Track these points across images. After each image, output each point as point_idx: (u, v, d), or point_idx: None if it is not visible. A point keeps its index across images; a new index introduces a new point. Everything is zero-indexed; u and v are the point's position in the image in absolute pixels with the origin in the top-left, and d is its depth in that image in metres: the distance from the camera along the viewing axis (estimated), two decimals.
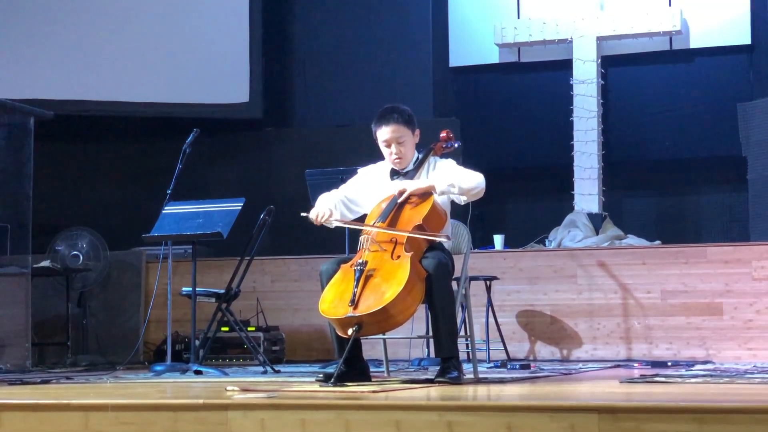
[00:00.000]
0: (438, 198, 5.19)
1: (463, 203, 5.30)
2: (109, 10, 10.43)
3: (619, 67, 10.24)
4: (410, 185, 5.18)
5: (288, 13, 11.06)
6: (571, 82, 9.96)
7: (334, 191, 5.45)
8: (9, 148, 7.57)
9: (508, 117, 10.51)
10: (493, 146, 10.35)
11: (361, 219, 5.35)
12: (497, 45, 10.34)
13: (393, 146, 5.28)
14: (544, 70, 10.39)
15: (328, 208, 5.27)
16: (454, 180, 5.15)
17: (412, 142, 5.32)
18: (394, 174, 5.35)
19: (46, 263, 8.61)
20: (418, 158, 5.36)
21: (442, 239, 5.09)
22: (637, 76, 10.34)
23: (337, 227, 5.39)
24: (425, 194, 5.16)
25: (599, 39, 10.01)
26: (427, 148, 5.41)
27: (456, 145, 5.50)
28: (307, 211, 5.28)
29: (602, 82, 10.01)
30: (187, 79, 10.48)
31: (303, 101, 11.00)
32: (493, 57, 10.49)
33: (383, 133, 5.29)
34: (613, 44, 10.11)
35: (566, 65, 10.07)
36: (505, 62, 10.48)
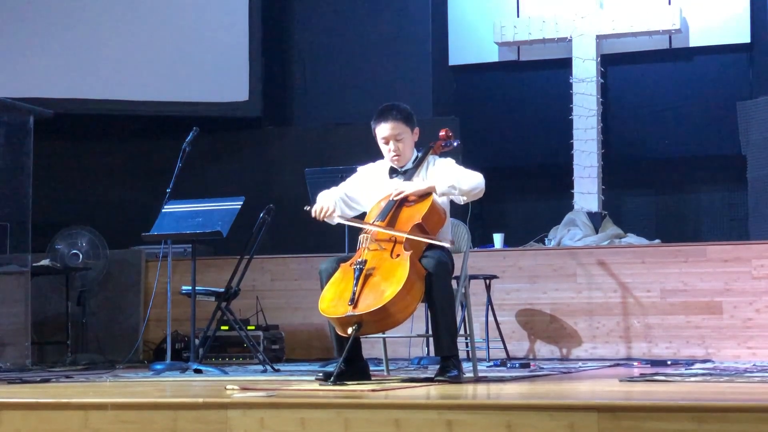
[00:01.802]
0: (438, 198, 5.19)
1: (462, 203, 5.30)
2: (109, 9, 10.42)
3: (618, 65, 10.23)
4: (409, 186, 5.18)
5: (287, 11, 11.05)
6: (570, 81, 9.96)
7: (333, 189, 5.44)
8: (9, 147, 7.57)
9: (507, 116, 10.50)
10: (492, 145, 10.35)
11: (361, 217, 5.35)
12: (497, 43, 10.34)
13: (391, 143, 5.28)
14: (544, 69, 10.38)
15: (331, 203, 5.26)
16: (455, 181, 5.15)
17: (410, 139, 5.32)
18: (393, 172, 5.35)
19: (45, 262, 8.60)
20: (417, 157, 5.36)
21: (445, 244, 5.07)
22: (636, 75, 10.33)
23: (338, 224, 5.39)
24: (425, 194, 5.16)
25: (599, 37, 10.00)
26: (426, 146, 5.41)
27: (455, 144, 5.51)
28: (308, 208, 5.28)
29: (602, 81, 10.00)
30: (186, 77, 10.47)
31: (302, 99, 10.99)
32: (492, 56, 10.49)
33: (382, 130, 5.29)
34: (613, 43, 10.11)
35: (566, 64, 10.06)
36: (504, 61, 10.47)
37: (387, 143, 5.30)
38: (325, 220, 5.29)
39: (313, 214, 5.26)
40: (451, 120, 9.99)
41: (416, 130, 5.35)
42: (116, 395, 4.27)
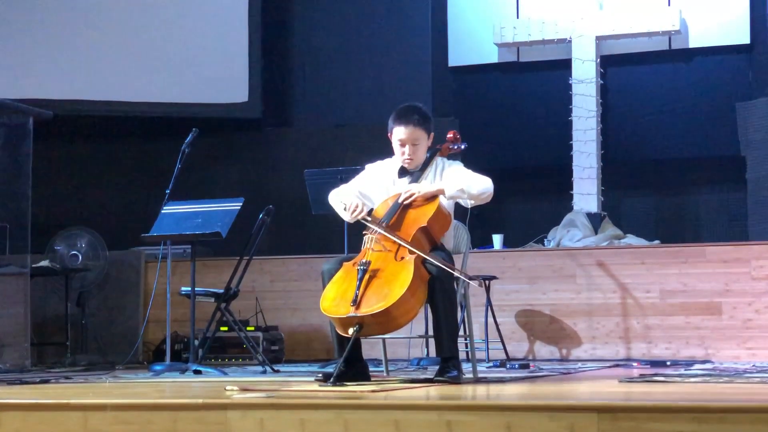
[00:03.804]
0: (444, 200, 5.19)
1: (470, 206, 5.30)
2: (109, 10, 10.42)
3: (618, 66, 10.23)
4: (420, 188, 5.17)
5: (287, 12, 11.05)
6: (570, 82, 9.96)
7: (344, 186, 5.42)
8: (8, 148, 7.57)
9: (507, 117, 10.50)
10: (492, 146, 10.34)
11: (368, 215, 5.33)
12: (496, 45, 10.34)
13: (407, 147, 5.26)
14: (543, 70, 10.38)
15: (360, 202, 5.20)
16: (464, 185, 5.15)
17: (425, 144, 5.32)
18: (402, 172, 5.34)
19: (45, 263, 8.60)
20: (426, 158, 5.35)
21: (462, 276, 5.03)
22: (636, 76, 10.33)
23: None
24: (432, 196, 5.16)
25: (598, 39, 10.00)
26: (433, 148, 5.40)
27: (463, 147, 5.50)
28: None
29: (601, 82, 10.00)
30: (186, 78, 10.47)
31: (302, 101, 10.99)
32: (492, 57, 10.48)
33: (400, 133, 5.26)
34: (612, 44, 10.11)
35: (565, 65, 10.06)
36: (504, 62, 10.46)
37: (402, 146, 5.28)
38: (346, 216, 5.23)
39: (350, 210, 5.16)
40: (451, 121, 10.00)
41: (432, 134, 5.33)
42: (116, 396, 4.27)
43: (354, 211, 5.15)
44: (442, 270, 4.94)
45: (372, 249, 5.02)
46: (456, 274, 5.01)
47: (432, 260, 4.94)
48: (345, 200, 5.24)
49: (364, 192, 5.38)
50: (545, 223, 9.75)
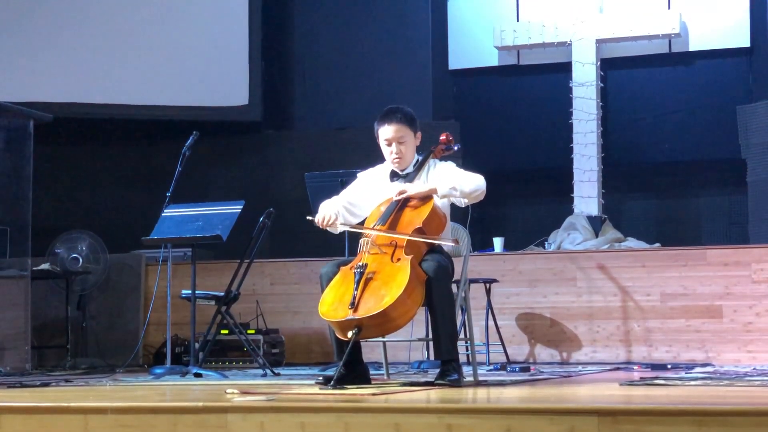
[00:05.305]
0: (438, 201, 5.20)
1: (464, 206, 5.30)
2: (109, 14, 10.43)
3: (618, 69, 10.24)
4: (411, 188, 5.19)
5: (287, 16, 11.06)
6: (570, 85, 9.96)
7: (335, 198, 5.44)
8: (8, 151, 7.57)
9: (507, 120, 10.51)
10: (492, 149, 10.35)
11: (364, 222, 5.35)
12: (496, 48, 10.35)
13: (394, 146, 5.28)
14: (544, 73, 10.39)
15: (333, 212, 5.26)
16: (456, 183, 5.15)
17: (413, 143, 5.33)
18: (394, 176, 5.36)
19: (45, 266, 8.60)
20: (417, 160, 5.37)
21: (448, 243, 5.08)
22: (636, 79, 10.34)
23: (341, 232, 5.39)
24: (426, 197, 5.17)
25: (598, 42, 10.01)
26: (426, 150, 5.41)
27: (455, 148, 5.51)
28: (310, 215, 5.29)
29: (601, 85, 10.01)
30: (186, 82, 10.48)
31: (302, 104, 11.00)
32: (492, 60, 10.50)
33: (385, 132, 5.29)
34: (613, 47, 10.11)
35: (565, 68, 10.07)
36: (504, 65, 10.48)
37: (389, 145, 5.30)
38: (328, 228, 5.29)
39: (316, 223, 5.27)
40: (451, 124, 10.01)
41: (419, 134, 5.36)
42: (116, 399, 4.26)
43: (323, 221, 5.20)
44: (439, 271, 4.95)
45: (368, 252, 5.03)
46: (448, 243, 5.05)
47: (435, 240, 4.96)
48: (318, 216, 5.25)
49: (353, 201, 5.39)
50: (546, 226, 9.75)
